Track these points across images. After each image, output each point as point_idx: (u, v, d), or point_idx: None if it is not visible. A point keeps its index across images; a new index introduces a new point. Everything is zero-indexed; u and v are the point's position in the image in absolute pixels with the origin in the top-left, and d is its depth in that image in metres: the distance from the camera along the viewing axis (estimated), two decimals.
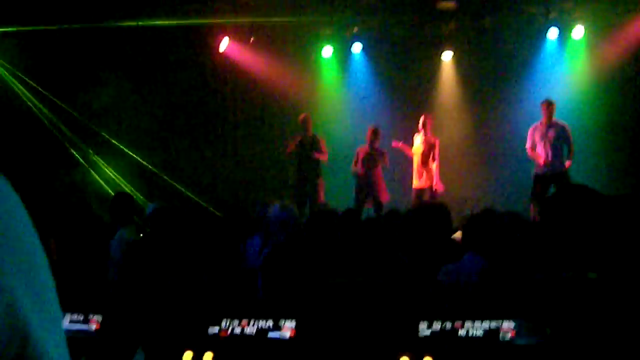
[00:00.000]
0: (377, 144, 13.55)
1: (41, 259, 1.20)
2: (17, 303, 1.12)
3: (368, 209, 13.30)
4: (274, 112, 15.91)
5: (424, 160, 13.57)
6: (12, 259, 1.14)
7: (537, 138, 12.84)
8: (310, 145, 13.88)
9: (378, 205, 13.34)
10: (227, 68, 15.94)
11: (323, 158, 13.96)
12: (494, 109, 15.58)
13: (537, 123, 12.94)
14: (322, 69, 16.62)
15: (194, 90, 15.62)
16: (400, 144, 13.66)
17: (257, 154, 15.82)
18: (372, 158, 13.53)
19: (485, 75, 15.70)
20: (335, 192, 14.32)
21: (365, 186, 13.53)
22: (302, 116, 14.14)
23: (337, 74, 16.66)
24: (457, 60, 15.98)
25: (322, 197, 13.83)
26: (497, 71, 15.52)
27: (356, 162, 13.69)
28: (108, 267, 7.77)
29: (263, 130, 16.04)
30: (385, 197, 13.49)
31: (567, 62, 15.37)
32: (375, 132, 13.54)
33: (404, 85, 16.04)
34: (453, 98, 16.17)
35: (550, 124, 12.78)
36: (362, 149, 13.66)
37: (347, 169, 14.04)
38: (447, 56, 15.96)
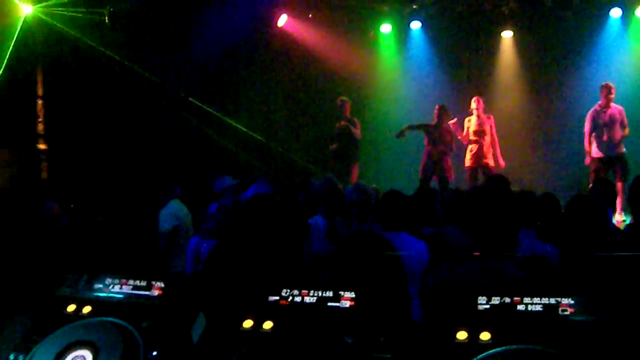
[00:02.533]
0: (444, 122, 13.49)
1: None
2: None
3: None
4: (330, 87, 15.79)
5: (477, 140, 13.51)
6: None
7: (596, 122, 12.73)
8: (347, 129, 13.96)
9: (443, 181, 13.30)
10: (284, 43, 15.86)
11: (356, 133, 13.98)
12: (553, 88, 15.37)
13: (595, 106, 12.80)
14: (381, 46, 16.52)
15: (250, 64, 15.59)
16: (455, 124, 13.56)
17: (312, 131, 15.78)
18: (438, 136, 13.51)
19: (545, 54, 15.46)
20: (393, 168, 14.35)
21: (432, 163, 13.50)
22: (339, 101, 14.18)
23: (395, 51, 16.55)
24: (517, 38, 15.76)
25: (355, 177, 13.86)
26: (558, 50, 15.27)
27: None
28: (158, 237, 7.98)
29: (318, 107, 15.97)
30: (450, 175, 13.46)
31: (630, 42, 15.04)
32: (441, 110, 13.51)
33: (462, 63, 15.89)
34: (512, 76, 15.98)
35: (608, 108, 12.65)
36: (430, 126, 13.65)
37: (404, 146, 14.05)
38: (507, 34, 15.76)
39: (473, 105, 13.58)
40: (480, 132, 13.51)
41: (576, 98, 14.59)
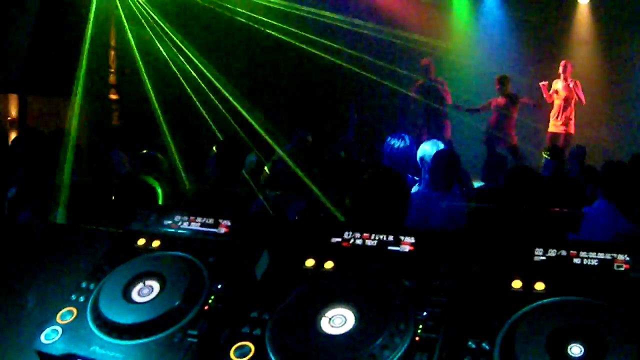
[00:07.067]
0: (506, 91, 13.38)
1: None
2: None
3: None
4: (402, 49, 15.71)
5: (564, 106, 13.42)
6: None
7: None
8: (432, 90, 13.87)
9: (512, 148, 13.22)
10: (356, 3, 15.79)
11: (447, 101, 13.93)
12: (629, 56, 15.08)
13: None
14: (454, 8, 16.37)
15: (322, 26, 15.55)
16: (545, 85, 13.49)
17: (383, 92, 15.73)
18: (502, 104, 13.40)
19: (621, 21, 15.14)
20: (462, 133, 14.32)
21: (495, 131, 13.42)
22: (423, 61, 14.11)
23: (468, 14, 16.38)
24: (594, 3, 15.47)
25: (449, 134, 13.83)
26: (634, 17, 14.94)
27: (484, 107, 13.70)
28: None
29: (389, 69, 15.89)
30: (514, 141, 13.40)
31: None
32: (500, 81, 13.43)
33: (536, 28, 15.65)
34: (587, 42, 15.72)
35: None
36: (494, 98, 13.57)
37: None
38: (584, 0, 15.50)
39: (562, 68, 13.48)
40: (568, 98, 13.42)
41: None
